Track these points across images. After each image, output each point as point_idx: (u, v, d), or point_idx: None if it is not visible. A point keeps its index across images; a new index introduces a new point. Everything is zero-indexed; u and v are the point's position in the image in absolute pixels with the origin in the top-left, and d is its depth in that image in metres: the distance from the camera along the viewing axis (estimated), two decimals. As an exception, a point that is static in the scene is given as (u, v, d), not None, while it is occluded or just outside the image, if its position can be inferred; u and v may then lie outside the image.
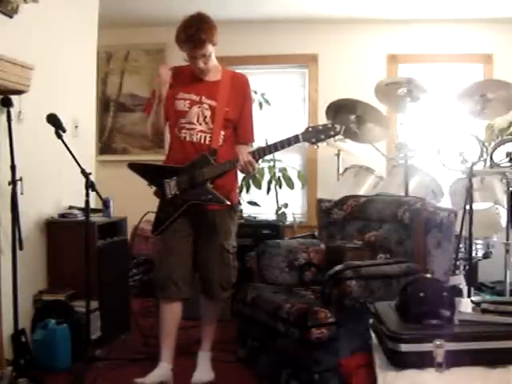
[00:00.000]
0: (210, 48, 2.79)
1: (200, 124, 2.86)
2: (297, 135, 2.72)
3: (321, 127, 2.72)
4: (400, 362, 1.74)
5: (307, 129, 2.72)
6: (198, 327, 3.12)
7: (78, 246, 3.04)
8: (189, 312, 3.05)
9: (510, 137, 3.92)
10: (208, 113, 2.86)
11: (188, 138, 2.87)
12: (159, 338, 2.92)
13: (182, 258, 2.91)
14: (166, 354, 2.88)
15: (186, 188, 2.83)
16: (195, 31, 2.72)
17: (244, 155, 2.76)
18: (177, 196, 2.86)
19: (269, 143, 2.84)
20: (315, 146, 2.75)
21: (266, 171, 4.90)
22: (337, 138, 4.27)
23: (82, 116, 3.85)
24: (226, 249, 2.93)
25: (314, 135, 2.70)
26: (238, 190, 3.10)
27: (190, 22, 2.78)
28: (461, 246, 3.58)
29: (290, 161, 5.09)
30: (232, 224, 2.98)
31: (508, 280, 3.44)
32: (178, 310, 2.92)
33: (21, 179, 2.81)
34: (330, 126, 2.72)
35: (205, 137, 2.86)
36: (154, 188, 2.95)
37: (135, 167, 2.99)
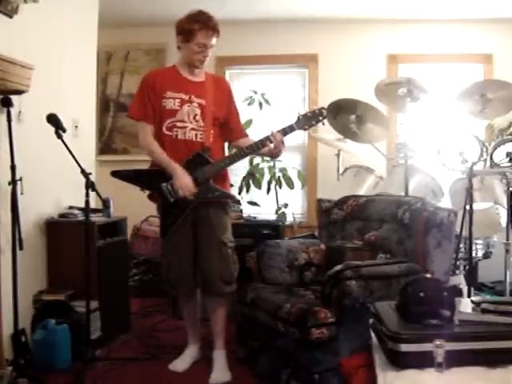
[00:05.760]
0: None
1: (191, 122, 2.89)
2: (291, 125, 2.87)
3: (310, 114, 2.89)
4: (400, 362, 1.74)
5: (298, 118, 2.88)
6: (207, 327, 3.16)
7: (78, 246, 3.04)
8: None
9: (510, 137, 3.92)
10: (198, 111, 2.90)
11: (180, 136, 2.89)
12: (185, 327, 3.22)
13: (188, 256, 2.97)
14: (192, 337, 3.15)
15: None
16: (214, 20, 2.82)
17: (275, 134, 2.82)
18: (180, 198, 2.86)
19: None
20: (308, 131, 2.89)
21: (266, 171, 4.90)
22: (337, 137, 4.33)
23: (82, 116, 3.85)
24: (224, 242, 2.95)
25: (306, 122, 2.88)
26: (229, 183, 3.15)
27: (202, 13, 2.84)
28: (461, 246, 3.58)
29: (290, 161, 5.09)
30: (227, 218, 3.02)
31: (508, 280, 3.44)
32: (193, 300, 3.15)
33: (21, 179, 2.80)
34: (317, 111, 2.89)
35: (196, 134, 2.89)
36: (147, 192, 2.95)
37: (120, 175, 2.95)
